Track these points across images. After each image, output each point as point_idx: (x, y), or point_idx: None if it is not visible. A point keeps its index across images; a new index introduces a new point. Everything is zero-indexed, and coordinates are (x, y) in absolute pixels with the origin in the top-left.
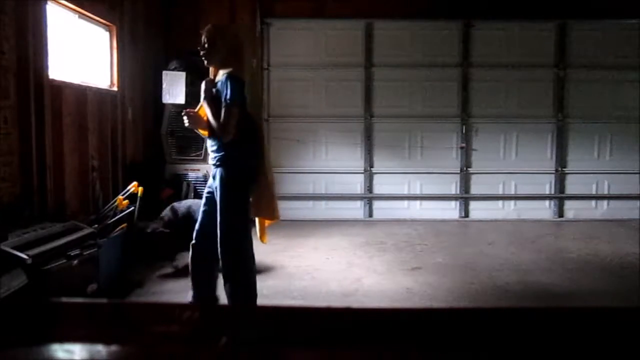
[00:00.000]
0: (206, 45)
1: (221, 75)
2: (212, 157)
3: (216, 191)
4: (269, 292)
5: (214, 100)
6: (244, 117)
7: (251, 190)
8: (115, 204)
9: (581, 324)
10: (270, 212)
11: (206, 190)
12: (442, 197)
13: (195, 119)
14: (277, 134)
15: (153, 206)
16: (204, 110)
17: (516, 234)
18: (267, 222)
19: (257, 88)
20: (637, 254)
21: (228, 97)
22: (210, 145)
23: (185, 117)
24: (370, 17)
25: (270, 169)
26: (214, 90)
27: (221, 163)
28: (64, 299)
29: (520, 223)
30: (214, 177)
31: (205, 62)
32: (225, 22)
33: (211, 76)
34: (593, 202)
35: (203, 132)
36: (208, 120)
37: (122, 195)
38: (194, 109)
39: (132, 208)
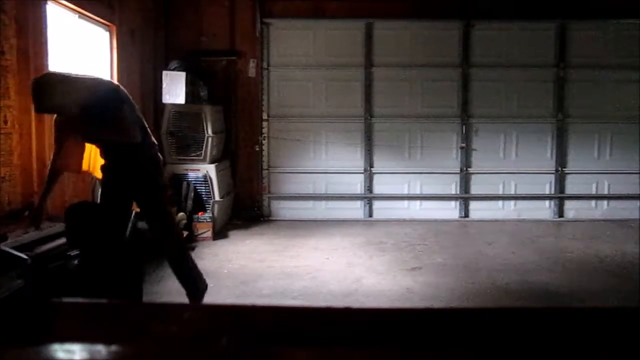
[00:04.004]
0: (63, 108)
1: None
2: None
3: None
4: (269, 292)
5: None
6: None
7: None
8: None
9: (581, 324)
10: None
11: None
12: (442, 197)
13: (37, 214)
14: (277, 134)
15: None
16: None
17: (516, 234)
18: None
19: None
20: (637, 254)
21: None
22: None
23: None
24: (370, 17)
25: None
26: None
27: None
28: (64, 299)
29: (520, 223)
30: None
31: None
32: (225, 22)
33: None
34: (593, 202)
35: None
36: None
37: None
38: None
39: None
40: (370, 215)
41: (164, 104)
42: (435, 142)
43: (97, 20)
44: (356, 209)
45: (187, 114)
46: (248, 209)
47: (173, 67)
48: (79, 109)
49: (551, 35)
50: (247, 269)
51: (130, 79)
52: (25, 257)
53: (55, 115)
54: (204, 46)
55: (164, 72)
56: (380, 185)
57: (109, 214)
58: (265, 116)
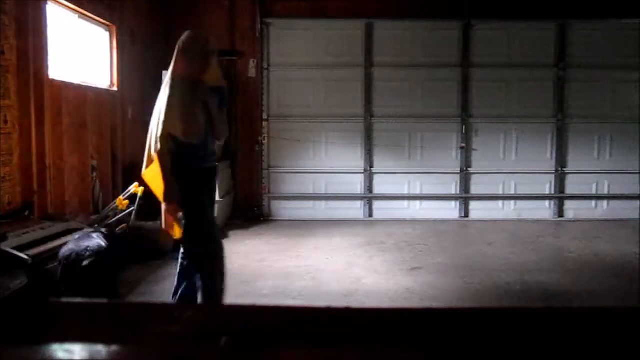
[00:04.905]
0: (208, 63)
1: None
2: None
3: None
4: (269, 292)
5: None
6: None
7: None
8: (116, 204)
9: (581, 324)
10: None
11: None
12: (442, 197)
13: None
14: (277, 134)
15: (152, 206)
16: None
17: (516, 234)
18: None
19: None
20: (637, 254)
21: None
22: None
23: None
24: (370, 17)
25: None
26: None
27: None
28: (64, 299)
29: (520, 223)
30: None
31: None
32: (225, 22)
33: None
34: (593, 202)
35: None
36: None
37: (123, 195)
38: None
39: (132, 208)
40: (371, 215)
41: None
42: (435, 142)
43: (97, 20)
44: (356, 209)
45: None
46: (248, 209)
47: None
48: (211, 82)
49: (551, 35)
50: (247, 268)
51: (130, 79)
52: (25, 257)
53: (172, 73)
54: None
55: (164, 72)
56: (380, 185)
57: (210, 220)
58: (265, 116)
